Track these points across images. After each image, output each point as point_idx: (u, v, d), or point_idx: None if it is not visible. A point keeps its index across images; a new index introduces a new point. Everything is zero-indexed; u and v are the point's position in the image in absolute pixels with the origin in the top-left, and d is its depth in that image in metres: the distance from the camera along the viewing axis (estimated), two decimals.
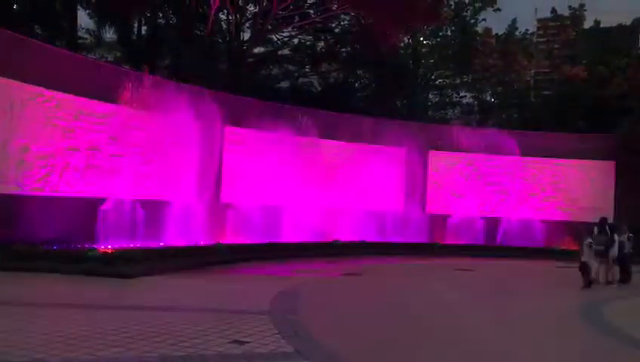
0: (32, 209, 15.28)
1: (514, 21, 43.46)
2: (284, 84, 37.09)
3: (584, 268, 15.02)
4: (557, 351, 8.48)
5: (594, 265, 15.27)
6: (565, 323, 10.73)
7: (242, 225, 20.88)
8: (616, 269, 16.47)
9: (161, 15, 31.36)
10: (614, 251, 16.10)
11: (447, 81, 41.61)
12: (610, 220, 19.95)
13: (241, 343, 7.39)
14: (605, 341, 9.32)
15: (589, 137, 27.12)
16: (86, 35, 30.03)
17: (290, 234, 22.47)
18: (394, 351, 7.82)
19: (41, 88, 15.79)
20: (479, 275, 17.80)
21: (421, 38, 38.06)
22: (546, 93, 46.47)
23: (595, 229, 16.60)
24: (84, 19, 28.99)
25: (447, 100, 42.77)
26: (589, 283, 14.91)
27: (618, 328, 10.27)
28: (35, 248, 14.04)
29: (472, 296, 13.70)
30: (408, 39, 36.80)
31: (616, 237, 16.31)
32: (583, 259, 15.15)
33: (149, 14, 29.72)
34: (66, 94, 16.48)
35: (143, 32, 30.89)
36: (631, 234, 17.23)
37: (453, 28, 38.44)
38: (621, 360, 8.30)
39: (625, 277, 16.59)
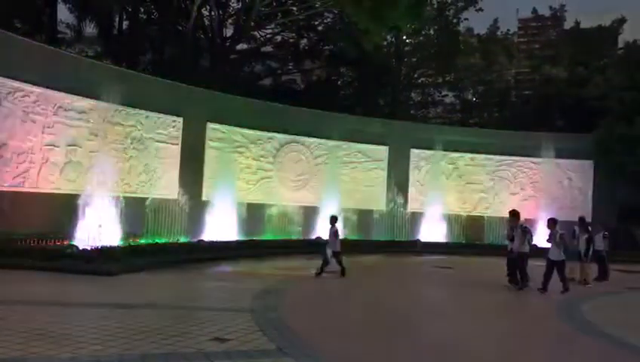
0: (10, 205, 15.07)
1: (495, 21, 43.91)
2: (267, 81, 37.03)
3: (337, 257, 15.04)
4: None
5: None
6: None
7: (224, 223, 20.80)
8: (590, 269, 16.49)
9: (142, 10, 31.05)
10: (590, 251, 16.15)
11: (430, 80, 41.86)
12: (589, 219, 20.16)
13: (223, 341, 7.38)
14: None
15: (568, 137, 27.45)
16: (66, 30, 29.67)
17: (272, 232, 22.51)
18: (374, 348, 7.86)
19: (20, 83, 15.55)
20: (458, 273, 17.97)
21: (404, 37, 38.21)
22: (526, 92, 46.95)
23: (577, 229, 16.68)
24: (64, 13, 28.64)
25: (429, 99, 43.06)
26: (321, 271, 14.84)
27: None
28: (12, 244, 13.85)
29: (450, 293, 13.83)
30: (391, 38, 36.94)
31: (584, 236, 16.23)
32: (335, 249, 15.11)
33: (130, 9, 29.41)
34: (45, 89, 16.25)
35: (124, 26, 30.56)
36: (606, 233, 17.48)
37: (435, 27, 38.63)
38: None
39: (602, 276, 16.83)
